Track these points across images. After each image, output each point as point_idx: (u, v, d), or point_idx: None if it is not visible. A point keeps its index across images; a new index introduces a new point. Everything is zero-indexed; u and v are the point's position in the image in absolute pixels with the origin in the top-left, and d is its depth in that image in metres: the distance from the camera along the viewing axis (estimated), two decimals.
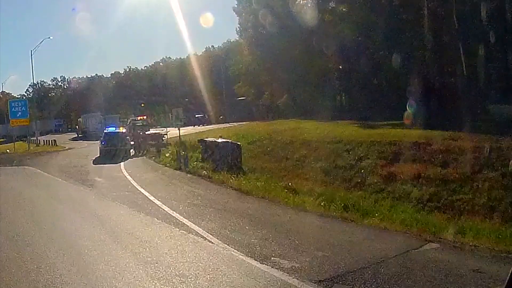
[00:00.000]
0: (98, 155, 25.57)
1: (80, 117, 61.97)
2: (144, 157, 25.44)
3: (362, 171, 20.71)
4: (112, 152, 24.22)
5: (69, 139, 52.18)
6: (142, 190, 13.84)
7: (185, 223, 9.69)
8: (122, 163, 22.02)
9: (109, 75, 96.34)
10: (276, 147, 26.79)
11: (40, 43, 44.02)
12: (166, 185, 15.49)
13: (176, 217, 10.25)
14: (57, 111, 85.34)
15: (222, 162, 21.23)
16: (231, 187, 15.08)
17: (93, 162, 22.91)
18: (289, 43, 44.70)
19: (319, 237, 8.43)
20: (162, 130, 35.46)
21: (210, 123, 56.38)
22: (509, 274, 2.50)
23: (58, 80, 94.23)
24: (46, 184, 15.96)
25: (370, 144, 22.79)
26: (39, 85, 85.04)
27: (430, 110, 26.37)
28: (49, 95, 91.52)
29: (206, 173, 17.95)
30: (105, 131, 26.04)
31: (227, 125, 48.36)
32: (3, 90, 74.07)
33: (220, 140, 24.23)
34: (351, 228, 9.22)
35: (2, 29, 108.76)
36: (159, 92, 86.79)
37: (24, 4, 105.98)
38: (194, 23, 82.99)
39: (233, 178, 17.71)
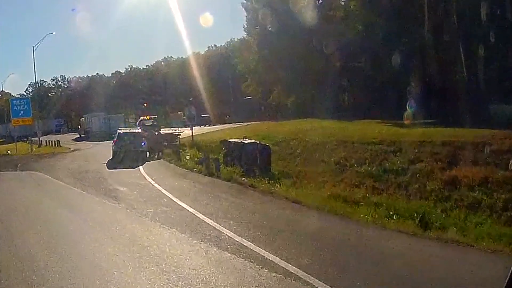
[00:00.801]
0: (111, 157, 22.57)
1: (82, 117, 58.58)
2: (162, 160, 22.42)
3: (418, 175, 17.89)
4: (126, 155, 21.17)
5: (72, 140, 48.90)
6: (183, 205, 10.85)
7: (270, 258, 6.79)
8: (140, 167, 19.00)
9: (110, 75, 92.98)
10: (307, 149, 23.89)
11: (43, 39, 41.03)
12: (207, 196, 12.49)
13: (251, 247, 7.33)
14: (57, 111, 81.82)
15: (250, 165, 18.42)
16: (286, 198, 12.16)
17: (107, 166, 19.83)
18: (297, 41, 42.59)
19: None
20: (174, 130, 32.53)
21: (215, 123, 53.46)
22: (509, 274, 2.36)
23: (58, 79, 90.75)
24: (63, 197, 12.80)
25: (418, 145, 19.97)
26: (39, 84, 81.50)
27: (430, 110, 25.40)
28: (49, 94, 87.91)
29: (245, 181, 15.01)
30: (118, 131, 22.95)
31: (235, 125, 45.51)
32: (3, 90, 70.64)
33: (247, 141, 21.37)
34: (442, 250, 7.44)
35: (2, 28, 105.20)
36: (160, 92, 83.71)
37: (24, 3, 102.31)
38: (195, 21, 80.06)
39: (278, 186, 14.94)
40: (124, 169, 18.53)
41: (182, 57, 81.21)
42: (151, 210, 10.38)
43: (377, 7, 33.77)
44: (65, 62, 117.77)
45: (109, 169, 18.85)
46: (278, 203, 11.70)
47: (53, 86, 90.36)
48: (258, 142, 21.37)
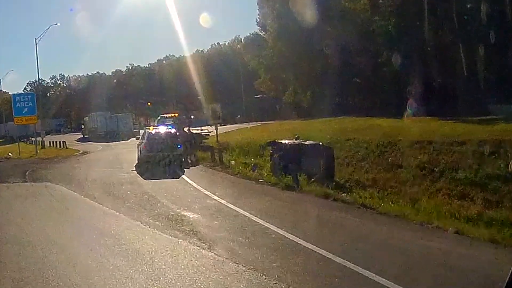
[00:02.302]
0: (136, 162, 17.94)
1: (86, 116, 53.34)
2: (199, 165, 17.75)
3: None
4: (157, 160, 16.46)
5: (76, 140, 43.80)
6: (321, 251, 6.31)
7: None
8: (184, 177, 14.34)
9: (110, 73, 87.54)
10: (371, 151, 19.42)
11: (46, 30, 35.79)
12: (330, 229, 7.96)
13: None
14: (56, 110, 76.21)
15: (309, 172, 14.03)
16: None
17: (140, 175, 15.07)
18: (314, 36, 38.51)
19: None
20: (201, 129, 27.97)
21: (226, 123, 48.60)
22: (509, 274, 2.28)
23: (57, 78, 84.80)
24: (114, 234, 7.62)
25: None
26: (38, 83, 75.80)
27: (430, 110, 24.11)
28: (48, 94, 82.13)
29: (348, 198, 10.51)
30: (147, 131, 18.11)
31: (249, 124, 40.98)
32: (0, 89, 64.81)
33: (308, 142, 16.90)
34: None
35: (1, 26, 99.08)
36: (161, 91, 78.63)
37: (23, 1, 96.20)
38: (196, 20, 75.25)
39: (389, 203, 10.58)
40: (166, 180, 13.89)
41: (184, 56, 76.29)
42: (276, 264, 5.82)
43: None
44: (63, 61, 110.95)
45: (145, 179, 14.10)
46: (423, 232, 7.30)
47: (52, 85, 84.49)
48: (320, 143, 16.97)
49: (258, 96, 55.82)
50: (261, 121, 44.85)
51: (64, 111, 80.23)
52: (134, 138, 40.21)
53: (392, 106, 27.97)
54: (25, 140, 40.27)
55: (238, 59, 67.40)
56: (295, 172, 13.53)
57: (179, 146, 17.02)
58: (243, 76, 63.32)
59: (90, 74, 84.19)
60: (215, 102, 57.65)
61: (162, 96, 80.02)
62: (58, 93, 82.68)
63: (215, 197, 10.68)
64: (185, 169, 16.38)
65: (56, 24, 35.69)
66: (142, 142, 17.47)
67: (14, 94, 25.94)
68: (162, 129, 17.66)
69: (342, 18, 37.05)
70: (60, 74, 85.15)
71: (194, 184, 12.76)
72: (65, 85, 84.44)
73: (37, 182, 13.95)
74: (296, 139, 17.89)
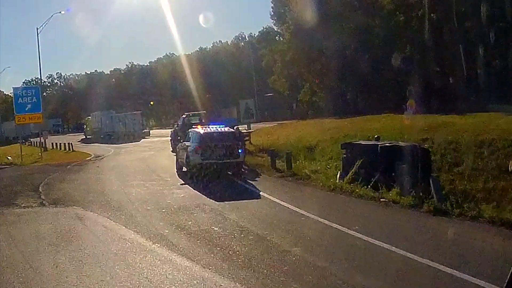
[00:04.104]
0: (177, 170, 13.50)
1: (88, 116, 48.17)
2: (262, 174, 13.30)
3: None
4: (214, 170, 12.00)
5: (78, 142, 38.65)
6: None
7: None
8: (268, 196, 9.82)
9: (109, 72, 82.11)
10: (462, 153, 15.14)
11: (49, 19, 30.93)
12: None
13: None
14: (52, 110, 70.49)
15: (404, 180, 10.08)
16: None
17: (201, 192, 10.47)
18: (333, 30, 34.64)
19: None
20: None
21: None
22: (509, 274, 2.20)
23: (54, 77, 78.89)
24: None
25: None
26: (34, 82, 70.06)
27: (430, 110, 22.57)
28: (44, 93, 76.27)
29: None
30: (197, 131, 13.28)
31: (263, 124, 36.48)
32: None
33: (403, 143, 12.73)
34: None
35: None
36: (162, 91, 73.69)
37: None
38: (199, 18, 70.74)
39: None
40: (245, 201, 9.44)
41: (185, 54, 71.43)
42: None
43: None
44: (60, 60, 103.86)
45: (214, 199, 9.54)
46: None
47: (49, 84, 78.60)
48: (417, 144, 12.87)
49: (269, 94, 51.43)
50: (274, 121, 40.43)
51: (61, 111, 74.76)
52: (145, 139, 35.91)
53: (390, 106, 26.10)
54: (23, 141, 35.20)
55: (244, 57, 62.97)
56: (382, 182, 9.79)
57: (240, 151, 12.50)
58: (245, 75, 59.08)
59: (88, 72, 78.68)
60: (214, 102, 53.22)
61: (162, 95, 75.11)
62: (54, 92, 77.04)
63: (359, 235, 6.30)
64: (253, 181, 11.99)
65: (60, 12, 30.48)
66: (189, 146, 12.89)
67: (15, 89, 20.90)
68: (215, 129, 13.07)
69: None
70: (57, 73, 79.36)
71: (297, 209, 8.36)
72: (62, 84, 78.73)
73: (60, 206, 9.23)
74: (376, 139, 13.83)
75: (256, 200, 9.51)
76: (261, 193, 10.20)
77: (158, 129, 53.95)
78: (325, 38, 35.96)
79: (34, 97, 20.35)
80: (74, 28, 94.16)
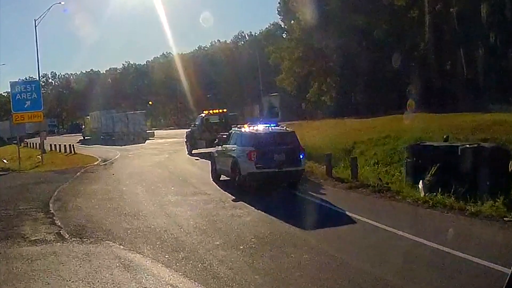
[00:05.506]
0: (212, 178, 10.78)
1: (87, 116, 44.88)
2: (311, 183, 10.61)
3: None
4: (270, 180, 9.33)
5: (77, 143, 35.29)
6: None
7: None
8: (363, 219, 7.09)
9: (105, 71, 78.55)
10: None
11: (48, 9, 27.67)
12: None
13: None
14: (47, 110, 66.80)
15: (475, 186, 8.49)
16: None
17: (270, 214, 7.78)
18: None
19: None
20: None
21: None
22: (509, 274, 2.13)
23: (48, 76, 74.99)
24: None
25: None
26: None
27: (430, 110, 22.02)
28: None
29: None
30: (250, 132, 10.34)
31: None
32: None
33: (486, 145, 10.54)
34: None
35: None
36: (160, 90, 70.55)
37: None
38: (197, 18, 67.89)
39: None
40: (338, 227, 6.73)
41: (185, 53, 68.46)
42: None
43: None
44: (56, 60, 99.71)
45: (296, 226, 6.80)
46: None
47: (43, 84, 74.73)
48: (500, 146, 10.63)
49: (274, 94, 48.71)
50: (281, 121, 37.63)
51: (56, 111, 71.19)
52: (149, 141, 32.78)
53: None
54: (17, 142, 31.93)
55: (244, 56, 60.19)
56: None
57: (301, 156, 9.75)
58: (245, 74, 56.31)
59: (84, 72, 75.08)
60: (210, 101, 50.16)
61: (159, 95, 71.83)
62: (49, 91, 73.31)
63: None
64: (317, 195, 9.28)
65: (60, 3, 27.39)
66: (234, 150, 10.10)
67: (13, 83, 17.70)
68: (268, 129, 10.25)
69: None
70: (51, 72, 75.54)
71: (416, 238, 5.68)
72: (57, 83, 74.99)
73: (88, 241, 6.12)
74: (445, 140, 11.41)
75: (351, 225, 6.81)
76: (347, 212, 7.49)
77: (157, 129, 50.71)
78: (331, 36, 33.86)
79: (34, 93, 17.32)
80: (70, 27, 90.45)
